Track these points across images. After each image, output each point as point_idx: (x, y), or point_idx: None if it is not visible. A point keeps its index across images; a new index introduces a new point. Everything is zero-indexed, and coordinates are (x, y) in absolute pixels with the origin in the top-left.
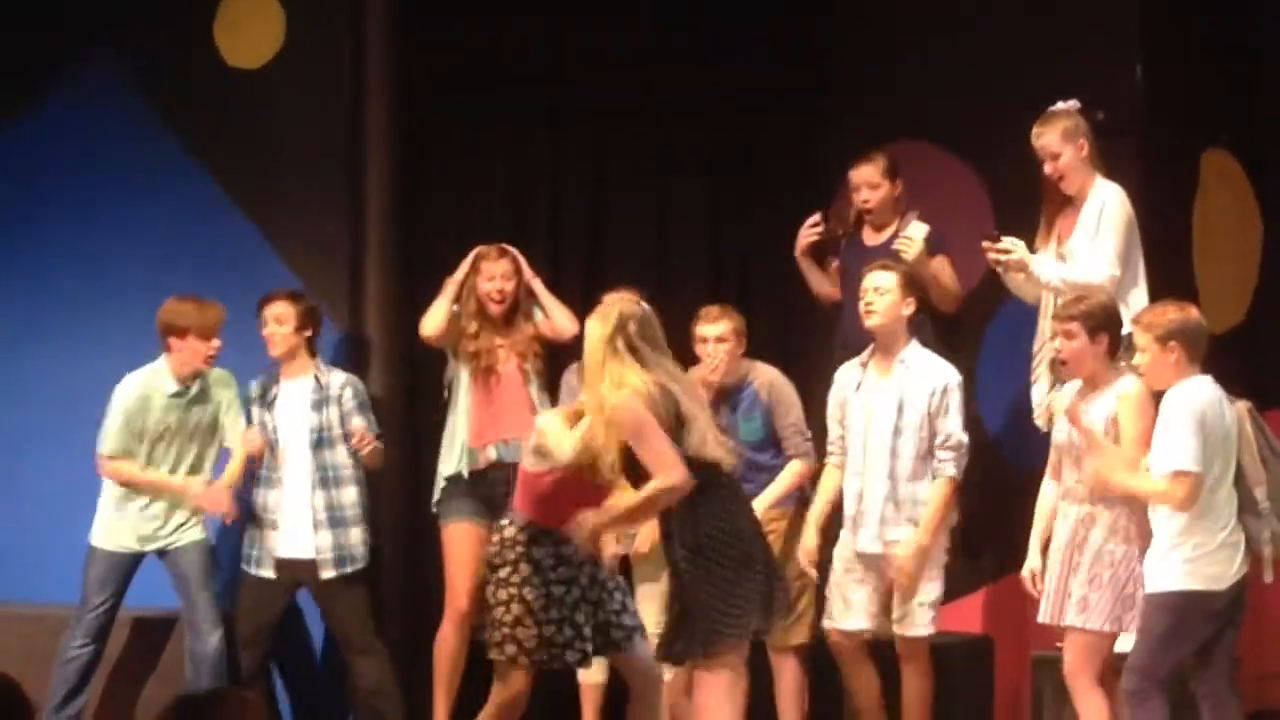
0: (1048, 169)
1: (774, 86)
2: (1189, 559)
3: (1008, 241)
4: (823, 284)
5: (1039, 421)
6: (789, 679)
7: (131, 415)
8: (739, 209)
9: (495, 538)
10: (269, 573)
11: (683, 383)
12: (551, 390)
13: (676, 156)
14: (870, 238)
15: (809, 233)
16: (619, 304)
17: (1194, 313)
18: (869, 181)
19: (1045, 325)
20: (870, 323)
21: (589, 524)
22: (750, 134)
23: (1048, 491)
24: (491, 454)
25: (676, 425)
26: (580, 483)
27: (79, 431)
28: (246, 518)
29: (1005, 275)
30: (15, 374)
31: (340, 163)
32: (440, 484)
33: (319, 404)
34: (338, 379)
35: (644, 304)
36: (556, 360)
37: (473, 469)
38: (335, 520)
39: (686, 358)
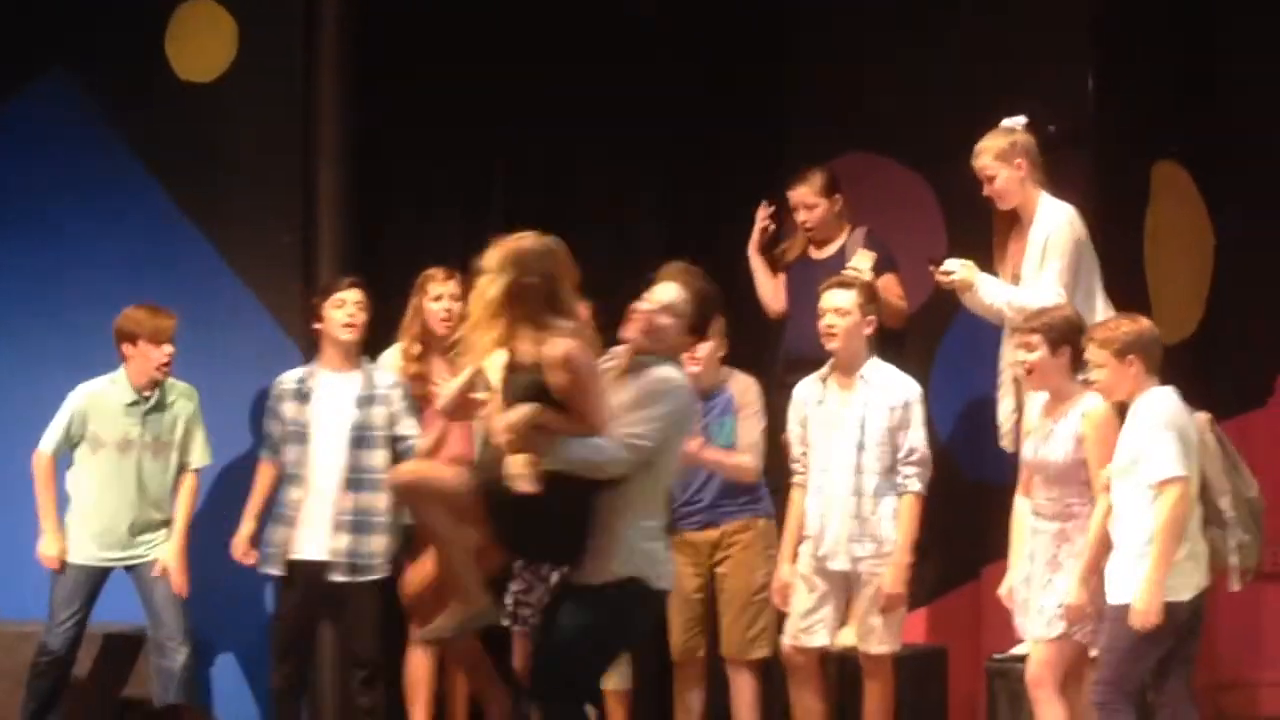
0: (985, 190)
1: (731, 104)
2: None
3: (951, 263)
4: (769, 290)
5: (1003, 443)
6: (745, 693)
7: (76, 420)
8: (697, 223)
9: None
10: (278, 570)
11: None
12: None
13: (634, 172)
14: (816, 252)
15: (761, 222)
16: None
17: (1147, 323)
18: (805, 202)
19: (1007, 346)
20: (831, 345)
21: (513, 419)
22: (708, 150)
23: (1021, 509)
24: None
25: None
26: None
27: (26, 446)
28: (280, 514)
29: (960, 295)
30: None
31: (293, 175)
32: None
33: (365, 401)
34: (385, 378)
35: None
36: None
37: None
38: (359, 525)
39: None
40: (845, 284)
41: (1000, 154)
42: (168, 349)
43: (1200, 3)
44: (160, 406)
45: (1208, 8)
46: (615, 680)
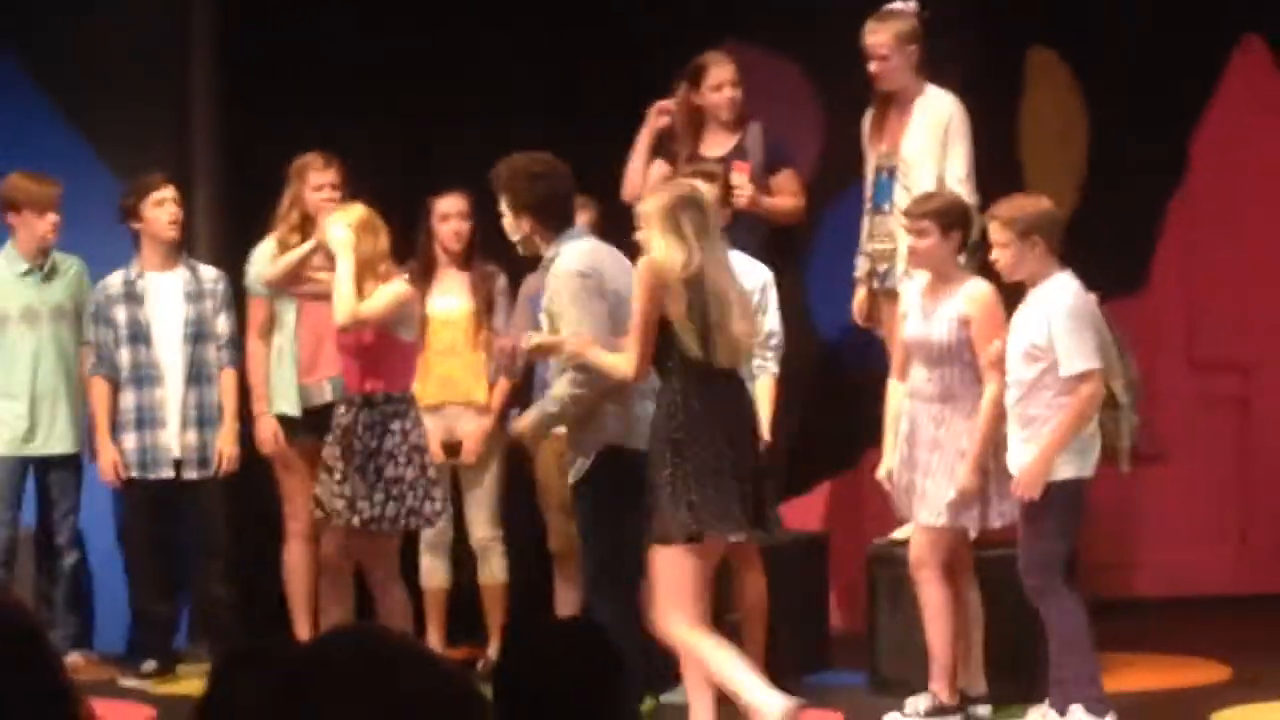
0: (873, 68)
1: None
2: (1076, 449)
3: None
4: (639, 174)
5: (857, 318)
6: None
7: None
8: (564, 120)
9: None
10: (169, 473)
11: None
12: None
13: (504, 58)
14: (709, 148)
15: (659, 118)
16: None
17: (1048, 203)
18: (730, 79)
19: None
20: None
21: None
22: (571, 40)
23: (895, 391)
24: (327, 391)
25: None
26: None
27: None
28: (124, 421)
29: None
30: None
31: (168, 72)
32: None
33: (194, 296)
34: (209, 272)
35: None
36: None
37: (306, 407)
38: (204, 419)
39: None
40: (695, 175)
41: (899, 36)
42: (53, 217)
43: None
44: (54, 275)
45: None
46: (489, 574)
